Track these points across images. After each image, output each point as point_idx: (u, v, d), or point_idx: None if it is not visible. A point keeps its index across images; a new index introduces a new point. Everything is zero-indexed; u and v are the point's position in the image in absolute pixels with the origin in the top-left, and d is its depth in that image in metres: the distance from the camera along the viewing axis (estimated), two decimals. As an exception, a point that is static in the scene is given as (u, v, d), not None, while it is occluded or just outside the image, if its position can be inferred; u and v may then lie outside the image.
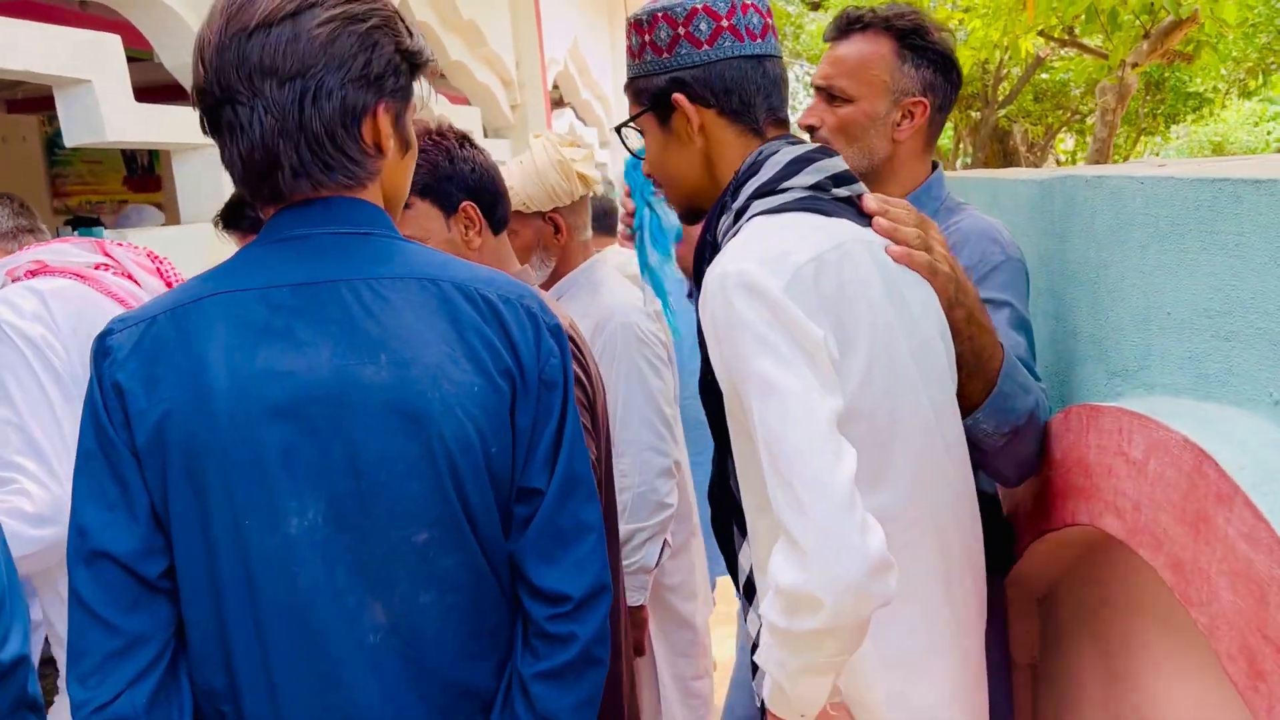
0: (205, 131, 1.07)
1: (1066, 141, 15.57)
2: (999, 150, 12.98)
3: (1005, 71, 10.75)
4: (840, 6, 12.13)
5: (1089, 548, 1.46)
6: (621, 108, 8.43)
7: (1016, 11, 5.03)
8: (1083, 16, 4.97)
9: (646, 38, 1.31)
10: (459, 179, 1.62)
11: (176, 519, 1.03)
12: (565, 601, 1.11)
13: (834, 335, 1.14)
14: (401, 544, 1.04)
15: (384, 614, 1.05)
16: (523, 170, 2.08)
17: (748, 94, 1.30)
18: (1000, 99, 11.26)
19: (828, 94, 1.58)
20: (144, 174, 6.95)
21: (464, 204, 1.62)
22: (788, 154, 1.27)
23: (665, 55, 1.30)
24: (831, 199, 1.26)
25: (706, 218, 1.34)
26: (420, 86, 1.13)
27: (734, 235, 1.23)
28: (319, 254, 1.05)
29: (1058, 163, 14.66)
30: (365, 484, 1.03)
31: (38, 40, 2.23)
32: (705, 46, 1.28)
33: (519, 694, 1.11)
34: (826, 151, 1.30)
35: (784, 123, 1.35)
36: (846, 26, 1.59)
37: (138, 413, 1.01)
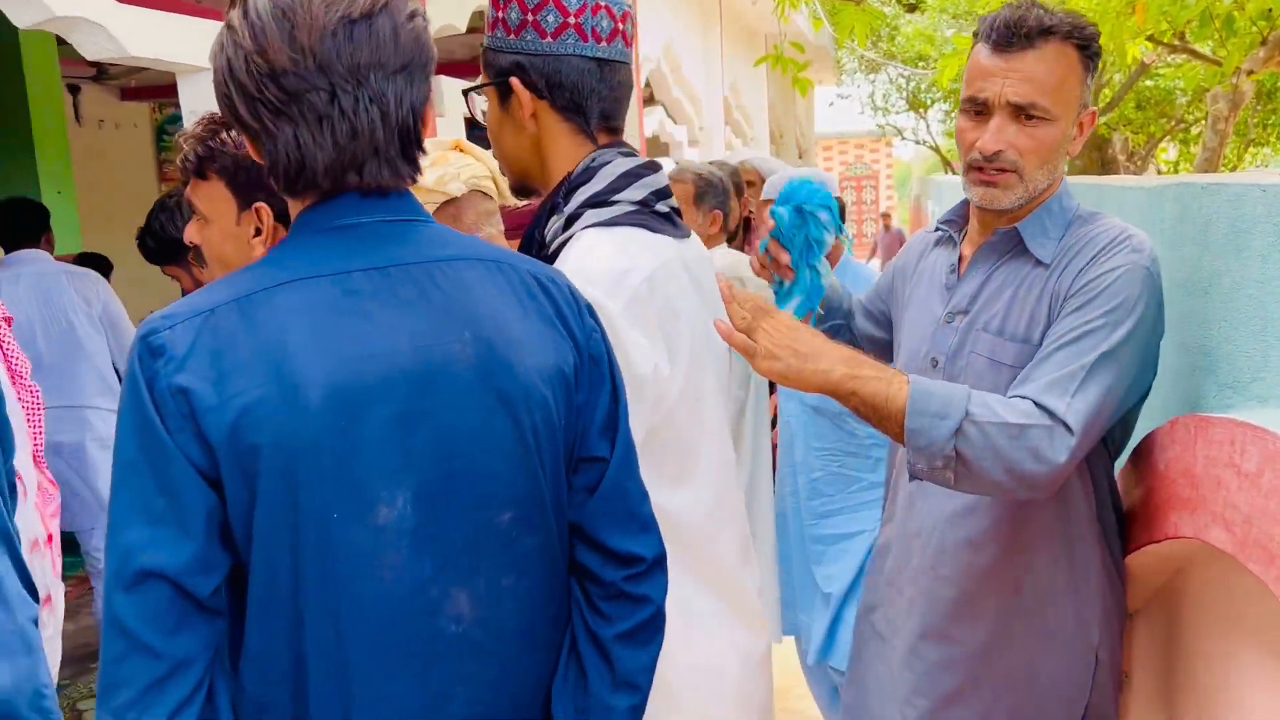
0: (245, 113, 1.02)
1: (1169, 151, 15.09)
2: (1097, 159, 12.62)
3: (1107, 78, 10.46)
4: (938, 9, 11.93)
5: (1188, 560, 1.43)
6: (712, 109, 8.40)
7: (1124, 16, 4.88)
8: (1195, 21, 4.80)
9: (500, 13, 1.32)
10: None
11: (262, 520, 0.96)
12: (640, 562, 1.13)
13: (665, 347, 1.24)
14: (485, 526, 1.04)
15: (466, 603, 1.03)
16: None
17: (581, 95, 1.30)
18: (1101, 106, 10.96)
19: (1023, 113, 1.39)
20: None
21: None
22: (620, 166, 1.30)
23: (512, 36, 1.30)
24: (653, 214, 1.32)
25: (536, 215, 1.37)
26: None
27: (567, 241, 1.29)
28: (384, 239, 1.04)
29: (1159, 172, 14.20)
30: (455, 465, 1.02)
31: (164, 29, 2.33)
32: (548, 38, 1.28)
33: (597, 658, 1.11)
34: (653, 166, 1.34)
35: (616, 130, 1.37)
36: (1033, 33, 1.38)
37: (207, 412, 0.94)
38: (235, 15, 1.02)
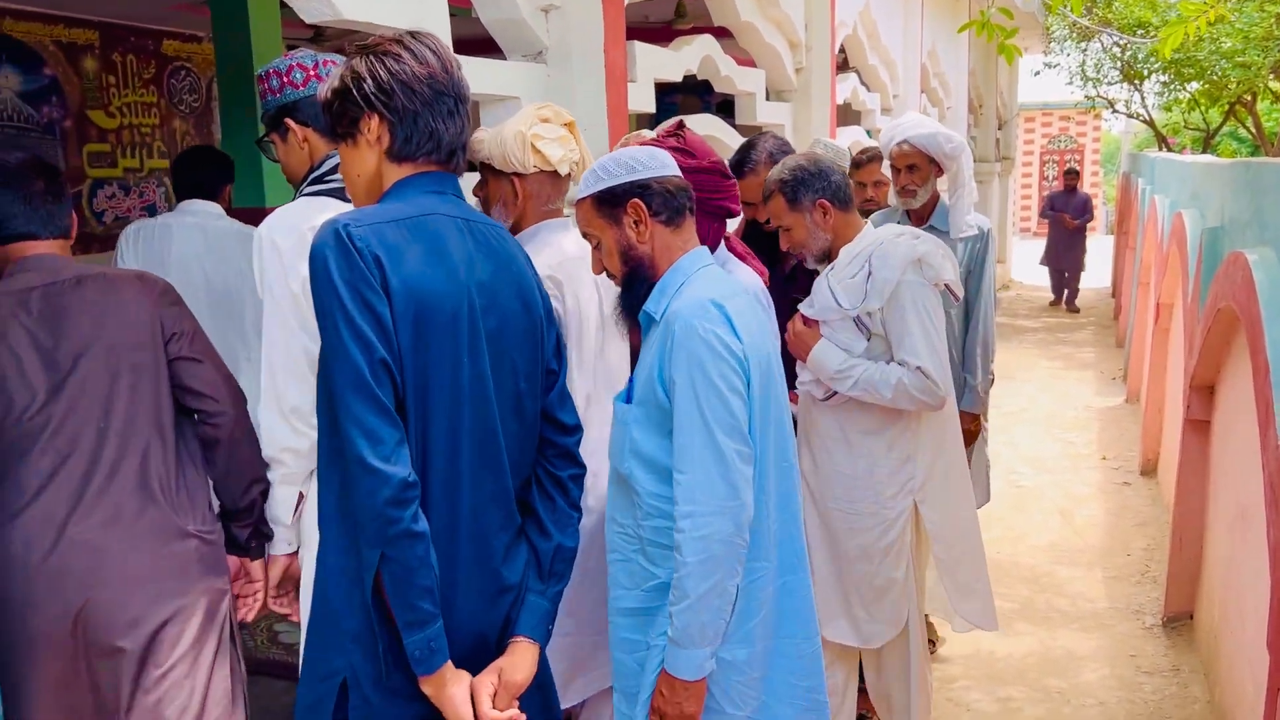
0: (403, 100, 1.65)
1: None
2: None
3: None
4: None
5: None
6: (909, 76, 8.09)
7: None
8: None
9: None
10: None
11: (406, 355, 1.56)
12: (577, 430, 1.85)
13: None
14: (512, 390, 1.71)
15: (503, 436, 1.70)
16: (494, 130, 2.32)
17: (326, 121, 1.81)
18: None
19: None
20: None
21: None
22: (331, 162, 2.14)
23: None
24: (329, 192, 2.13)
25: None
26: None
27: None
28: (459, 204, 1.72)
29: None
30: (504, 346, 1.69)
31: (377, -6, 2.43)
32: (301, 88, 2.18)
33: (557, 490, 1.81)
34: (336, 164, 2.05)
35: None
36: None
37: (389, 278, 1.54)
38: (402, 44, 1.67)
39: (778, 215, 2.72)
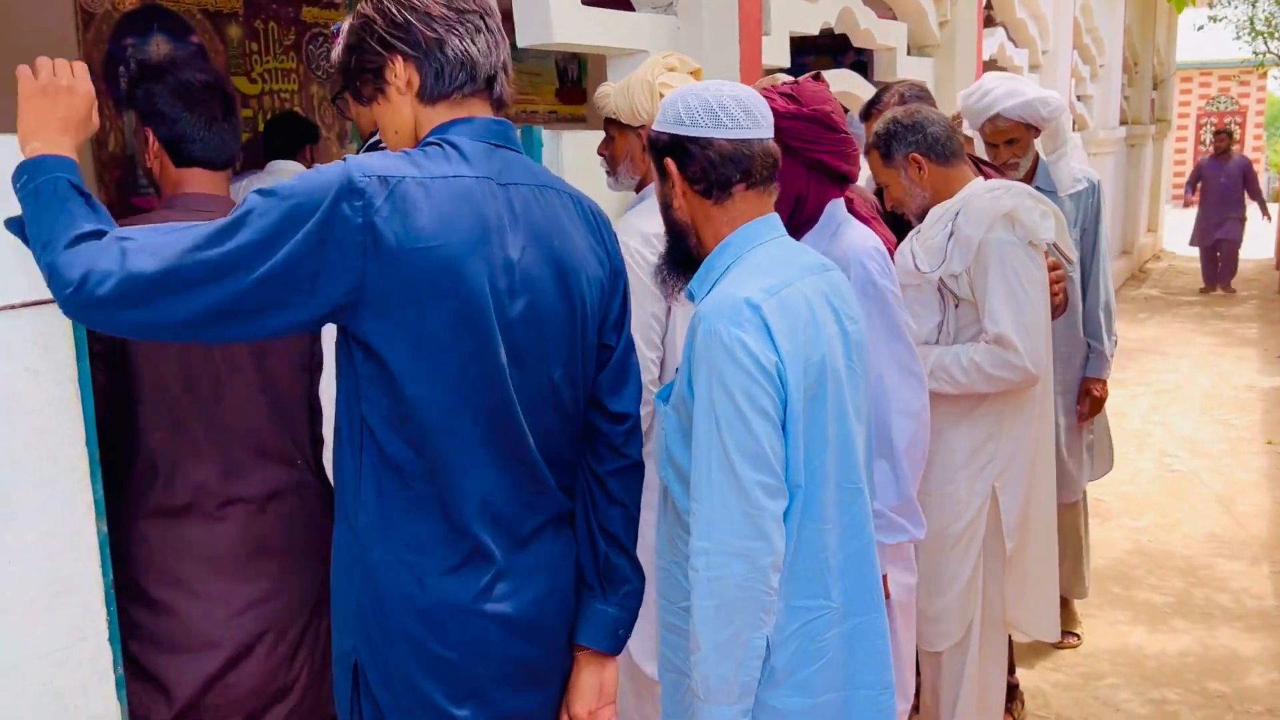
0: (422, 31, 1.43)
1: None
2: None
3: None
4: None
5: None
6: (1060, 31, 7.63)
7: None
8: None
9: None
10: None
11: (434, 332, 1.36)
12: (627, 419, 1.61)
13: None
14: (544, 379, 1.47)
15: (548, 417, 1.50)
16: (621, 82, 2.16)
17: None
18: None
19: None
20: (572, 86, 7.39)
21: None
22: None
23: None
24: None
25: None
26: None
27: None
28: (510, 163, 1.48)
29: None
30: (540, 329, 1.46)
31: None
32: None
33: (598, 487, 1.59)
34: None
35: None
36: None
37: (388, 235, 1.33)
38: None
39: (875, 172, 2.55)
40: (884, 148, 2.49)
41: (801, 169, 2.00)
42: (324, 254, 1.28)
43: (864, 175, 2.96)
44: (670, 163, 1.60)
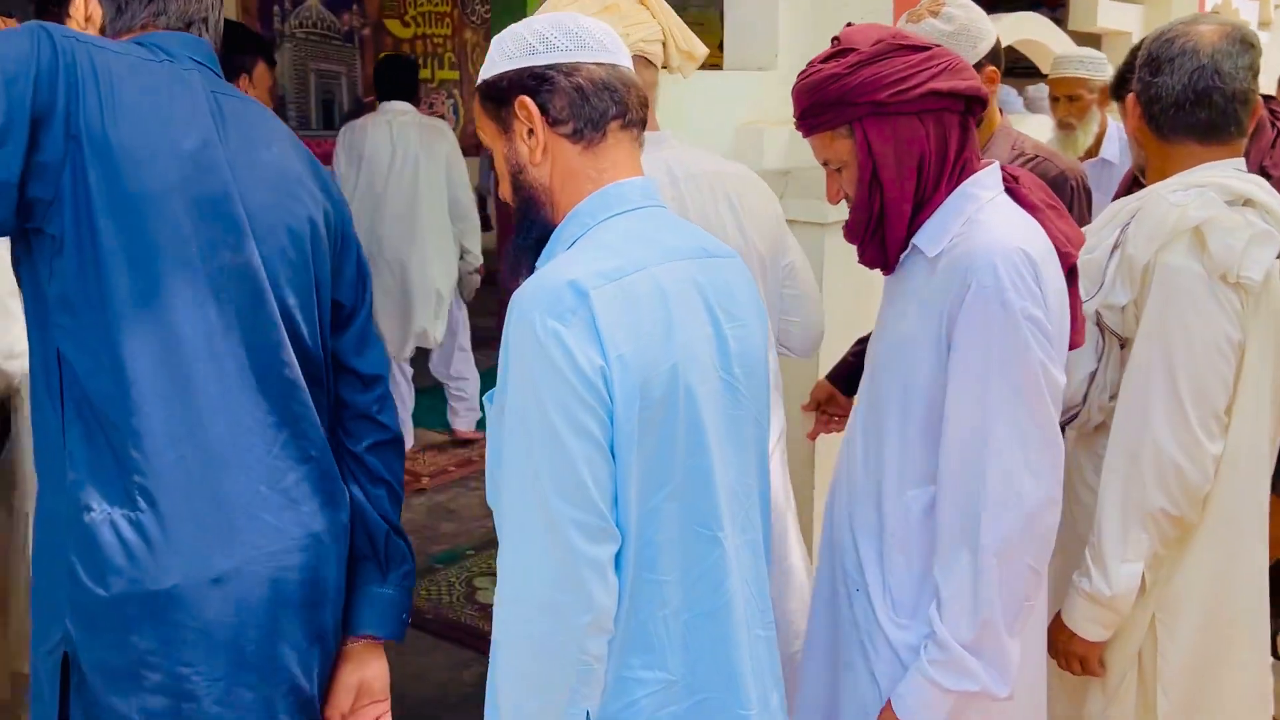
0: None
1: None
2: None
3: None
4: None
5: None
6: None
7: None
8: None
9: None
10: None
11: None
12: (378, 384, 1.53)
13: None
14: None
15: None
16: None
17: None
18: None
19: None
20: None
21: None
22: None
23: None
24: None
25: None
26: None
27: None
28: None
29: None
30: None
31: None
32: None
33: (359, 468, 1.50)
34: None
35: None
36: None
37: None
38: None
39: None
40: (1117, 78, 2.07)
41: (906, 124, 1.45)
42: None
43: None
44: (528, 102, 1.25)
